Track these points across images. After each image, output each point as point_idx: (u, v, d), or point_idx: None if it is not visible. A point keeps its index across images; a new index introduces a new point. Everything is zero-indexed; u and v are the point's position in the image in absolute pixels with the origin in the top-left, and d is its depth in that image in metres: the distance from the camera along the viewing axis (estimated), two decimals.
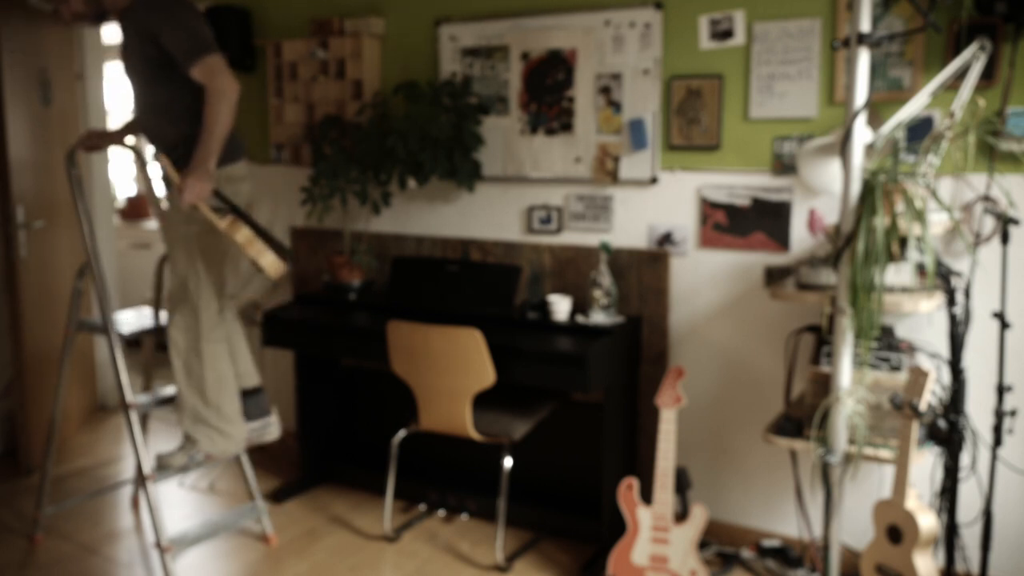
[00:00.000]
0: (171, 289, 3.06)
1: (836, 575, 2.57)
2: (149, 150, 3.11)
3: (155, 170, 3.15)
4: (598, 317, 3.28)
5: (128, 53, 2.98)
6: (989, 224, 2.78)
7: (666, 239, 3.34)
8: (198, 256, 2.99)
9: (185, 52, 2.80)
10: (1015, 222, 2.66)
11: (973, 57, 2.56)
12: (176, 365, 3.05)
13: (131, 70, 3.00)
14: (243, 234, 2.83)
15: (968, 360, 2.78)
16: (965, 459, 2.76)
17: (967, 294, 2.71)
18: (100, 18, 2.99)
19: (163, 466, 3.08)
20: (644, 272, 3.37)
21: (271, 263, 2.87)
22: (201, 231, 2.97)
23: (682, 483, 3.10)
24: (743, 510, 3.34)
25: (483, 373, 3.08)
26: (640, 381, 3.43)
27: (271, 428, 3.25)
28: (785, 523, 3.25)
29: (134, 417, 3.08)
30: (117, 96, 6.57)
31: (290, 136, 4.09)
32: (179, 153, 2.92)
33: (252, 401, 3.20)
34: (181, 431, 3.12)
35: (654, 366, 3.39)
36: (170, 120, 2.96)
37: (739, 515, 3.35)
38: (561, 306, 3.33)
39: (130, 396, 3.08)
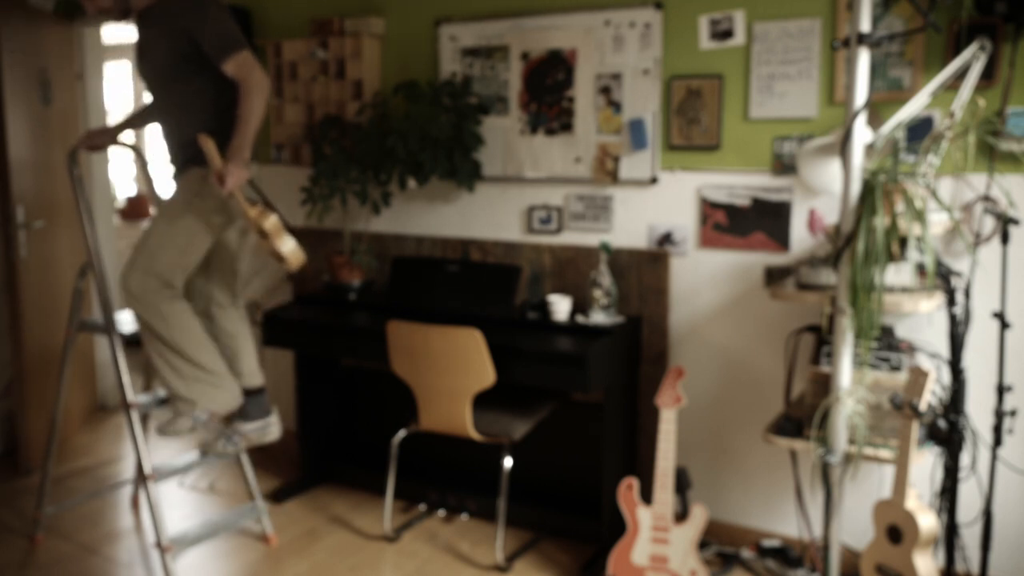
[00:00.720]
0: (132, 254, 3.01)
1: (836, 575, 2.57)
2: (161, 147, 3.10)
3: (155, 168, 3.15)
4: (598, 317, 3.28)
5: (149, 51, 2.98)
6: (989, 224, 2.78)
7: (666, 239, 3.34)
8: (181, 236, 2.96)
9: (220, 48, 2.82)
10: (1015, 222, 2.66)
11: (973, 57, 2.56)
12: (145, 337, 3.02)
13: (151, 68, 3.00)
14: (271, 222, 2.85)
15: (968, 360, 2.78)
16: (965, 459, 2.76)
17: (967, 294, 2.71)
18: (125, 14, 3.00)
19: (168, 433, 3.06)
20: (644, 272, 3.38)
21: (293, 252, 2.89)
22: (198, 216, 2.96)
23: (682, 483, 3.10)
24: (743, 510, 3.34)
25: (483, 373, 3.08)
26: (640, 381, 3.43)
27: (271, 428, 3.25)
28: (785, 523, 3.25)
29: (135, 417, 3.08)
30: (117, 96, 6.57)
31: (290, 136, 4.09)
32: (193, 149, 2.92)
33: (254, 401, 3.20)
34: (171, 401, 3.07)
35: (654, 366, 3.40)
36: (191, 116, 2.96)
37: (739, 515, 3.35)
38: (561, 306, 3.33)
39: (131, 396, 3.09)
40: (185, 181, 3.00)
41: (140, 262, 2.93)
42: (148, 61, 3.00)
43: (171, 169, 3.09)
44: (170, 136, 3.06)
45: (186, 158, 2.99)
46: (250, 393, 3.19)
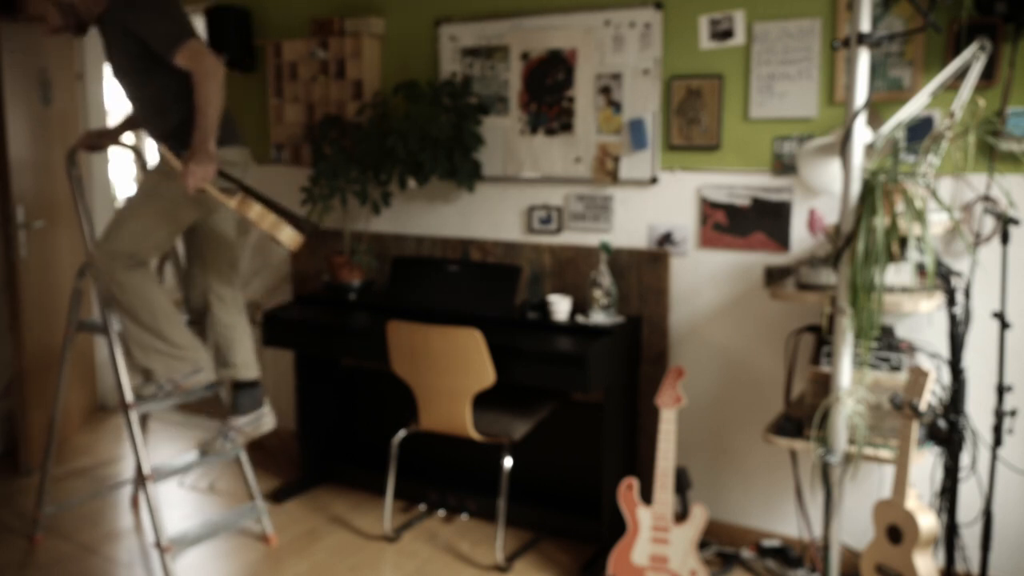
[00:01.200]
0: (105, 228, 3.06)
1: (836, 575, 2.57)
2: (148, 144, 3.12)
3: (154, 159, 3.16)
4: (598, 317, 3.28)
5: (113, 55, 3.01)
6: (989, 224, 2.78)
7: (666, 239, 3.34)
8: (145, 217, 2.98)
9: (165, 42, 2.82)
10: (1015, 222, 2.66)
11: (973, 57, 2.56)
12: (109, 297, 3.05)
13: (119, 70, 3.03)
14: (255, 211, 2.83)
15: (968, 360, 2.78)
16: (965, 459, 2.76)
17: (967, 294, 2.71)
18: (81, 29, 3.03)
19: (139, 396, 3.10)
20: (644, 272, 3.37)
21: (288, 237, 2.87)
22: (163, 199, 2.97)
23: (682, 483, 3.10)
24: (743, 510, 3.34)
25: (483, 373, 3.08)
26: (640, 381, 3.43)
27: (264, 420, 3.25)
28: (785, 523, 3.25)
29: (134, 417, 3.08)
30: (117, 96, 6.56)
31: (290, 136, 4.09)
32: (176, 140, 2.93)
33: (247, 394, 3.20)
34: (136, 366, 3.11)
35: (654, 366, 3.39)
36: (163, 111, 2.98)
37: (739, 515, 3.35)
38: (561, 306, 3.33)
39: (130, 396, 3.08)
40: (159, 164, 3.03)
41: (106, 238, 2.98)
42: (113, 64, 3.03)
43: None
44: (150, 131, 3.09)
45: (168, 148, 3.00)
46: (244, 386, 3.20)
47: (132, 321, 3.02)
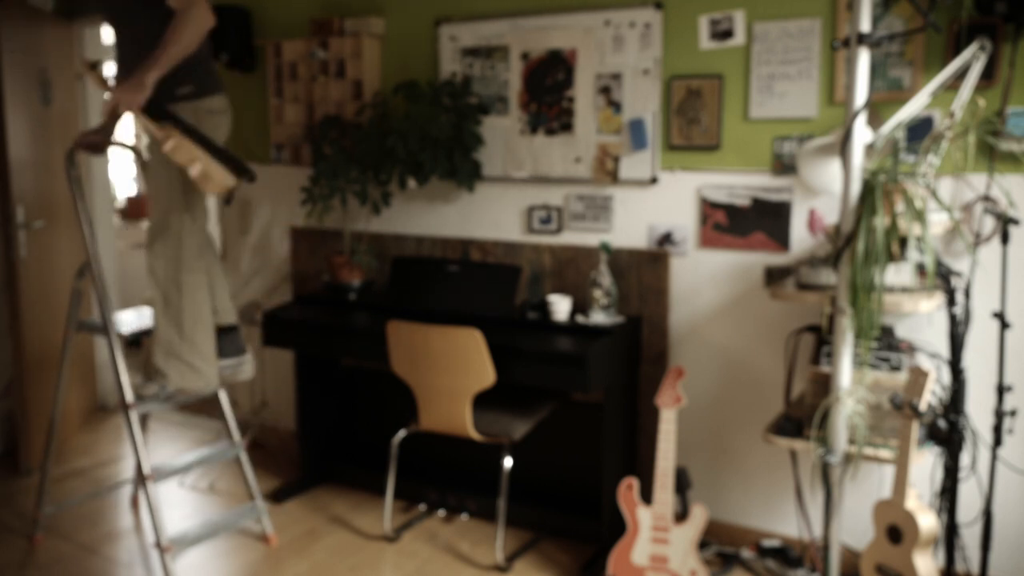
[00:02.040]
0: (153, 220, 3.07)
1: (836, 575, 2.57)
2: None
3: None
4: (598, 317, 3.28)
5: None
6: (989, 224, 2.78)
7: (666, 239, 3.34)
8: (179, 188, 2.99)
9: None
10: (1015, 222, 2.66)
11: (973, 57, 2.56)
12: (155, 296, 3.07)
13: (114, 15, 3.01)
14: (184, 154, 2.78)
15: (968, 360, 2.78)
16: (965, 459, 2.76)
17: (967, 294, 2.71)
18: None
19: (139, 396, 3.12)
20: (644, 272, 3.37)
21: (214, 185, 2.82)
22: (162, 161, 2.96)
23: (682, 483, 3.10)
24: (743, 510, 3.34)
25: (483, 373, 3.08)
26: (640, 381, 3.43)
27: (245, 366, 3.26)
28: (785, 523, 3.25)
29: (134, 417, 3.08)
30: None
31: (290, 136, 4.09)
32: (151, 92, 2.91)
33: (228, 338, 3.22)
34: (152, 364, 3.13)
35: (654, 366, 3.39)
36: (140, 57, 2.92)
37: (739, 515, 3.35)
38: (561, 306, 3.33)
39: (130, 396, 3.08)
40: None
41: (160, 236, 3.00)
42: (109, 11, 3.03)
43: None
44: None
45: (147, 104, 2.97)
46: (224, 330, 3.23)
47: (172, 325, 3.04)
